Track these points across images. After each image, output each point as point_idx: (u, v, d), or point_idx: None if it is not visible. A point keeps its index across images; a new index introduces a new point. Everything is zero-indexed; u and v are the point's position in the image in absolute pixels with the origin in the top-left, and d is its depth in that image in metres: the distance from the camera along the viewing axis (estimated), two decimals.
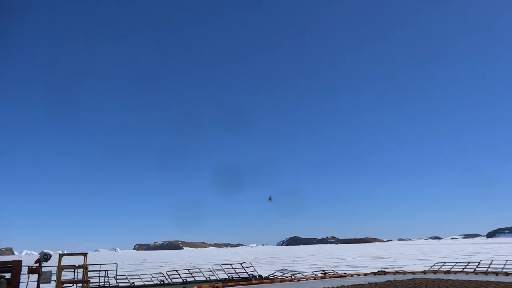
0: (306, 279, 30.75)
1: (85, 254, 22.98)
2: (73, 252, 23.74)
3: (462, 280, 25.34)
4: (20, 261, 19.63)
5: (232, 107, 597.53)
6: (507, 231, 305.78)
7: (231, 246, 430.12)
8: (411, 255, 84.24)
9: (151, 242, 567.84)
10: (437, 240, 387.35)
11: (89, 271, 23.91)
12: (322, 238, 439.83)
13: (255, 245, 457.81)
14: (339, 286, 23.65)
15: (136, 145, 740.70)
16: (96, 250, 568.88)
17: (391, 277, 29.74)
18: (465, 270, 32.24)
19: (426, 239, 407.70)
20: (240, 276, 33.28)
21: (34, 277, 19.56)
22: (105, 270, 25.88)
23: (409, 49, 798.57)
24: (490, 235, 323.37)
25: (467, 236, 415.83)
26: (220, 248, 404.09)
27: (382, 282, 26.20)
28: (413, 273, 33.19)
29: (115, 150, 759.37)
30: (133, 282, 29.89)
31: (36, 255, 28.59)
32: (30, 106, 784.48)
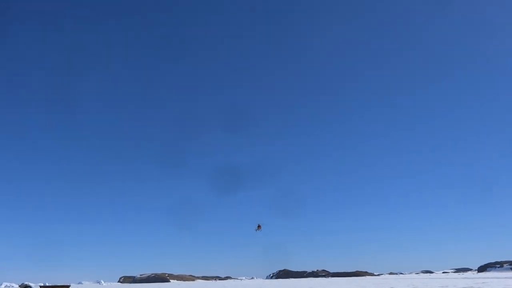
0: None
1: (67, 287, 22.20)
2: (55, 285, 22.91)
3: None
4: None
5: (231, 107, 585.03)
6: (498, 266, 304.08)
7: (219, 279, 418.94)
8: None
9: (137, 274, 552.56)
10: (428, 274, 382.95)
11: None
12: (313, 271, 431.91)
13: (244, 278, 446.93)
14: None
15: (131, 149, 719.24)
16: (80, 283, 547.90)
17: None
18: None
19: (417, 273, 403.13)
20: None
21: None
22: None
23: (407, 52, 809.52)
24: (481, 269, 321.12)
25: (458, 270, 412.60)
26: (208, 281, 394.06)
27: None
28: None
29: (106, 155, 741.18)
30: None
31: None
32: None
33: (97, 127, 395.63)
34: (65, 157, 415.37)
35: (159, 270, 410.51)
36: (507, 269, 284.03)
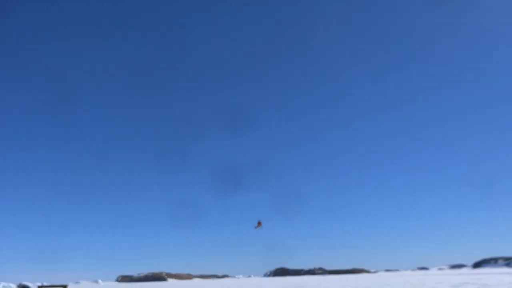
0: None
1: (65, 286, 22.65)
2: (53, 284, 23.33)
3: None
4: None
5: (231, 107, 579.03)
6: (493, 261, 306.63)
7: (216, 278, 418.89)
8: (399, 287, 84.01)
9: (135, 273, 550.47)
10: (424, 271, 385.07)
11: None
12: (310, 270, 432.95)
13: (241, 276, 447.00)
14: None
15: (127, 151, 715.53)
16: (77, 282, 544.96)
17: None
18: None
19: (413, 270, 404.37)
20: None
21: None
22: None
23: (406, 50, 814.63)
24: (476, 265, 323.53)
25: (453, 266, 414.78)
26: (206, 279, 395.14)
27: None
28: None
29: (104, 155, 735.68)
30: None
31: None
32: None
33: (95, 127, 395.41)
34: (64, 157, 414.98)
35: (156, 269, 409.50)
36: (501, 265, 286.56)
